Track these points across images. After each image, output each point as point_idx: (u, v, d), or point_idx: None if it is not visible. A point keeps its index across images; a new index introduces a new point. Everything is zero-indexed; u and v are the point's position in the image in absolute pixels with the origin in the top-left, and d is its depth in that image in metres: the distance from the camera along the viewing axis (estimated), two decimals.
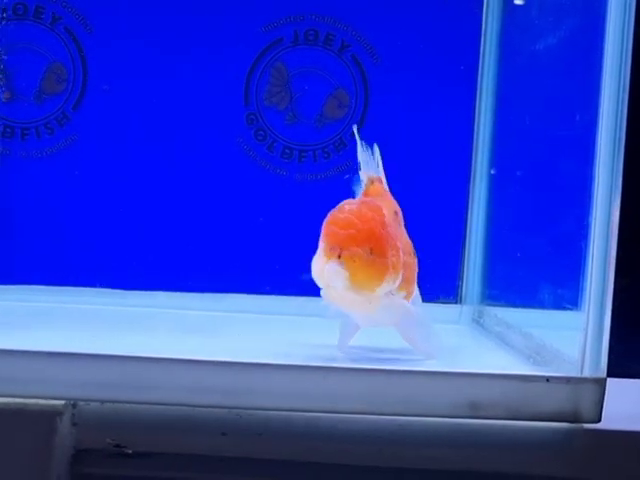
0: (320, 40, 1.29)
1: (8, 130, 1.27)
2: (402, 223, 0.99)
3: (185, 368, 0.80)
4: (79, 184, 1.28)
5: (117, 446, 0.79)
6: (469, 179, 1.30)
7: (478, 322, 1.27)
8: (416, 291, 1.00)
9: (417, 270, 0.99)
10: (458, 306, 1.30)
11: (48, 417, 0.75)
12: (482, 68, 1.28)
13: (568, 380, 0.81)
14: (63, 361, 0.77)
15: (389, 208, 0.96)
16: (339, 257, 0.86)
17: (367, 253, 0.87)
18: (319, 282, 0.88)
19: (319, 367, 0.80)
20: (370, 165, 0.99)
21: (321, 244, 0.88)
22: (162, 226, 1.28)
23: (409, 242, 0.98)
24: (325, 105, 1.30)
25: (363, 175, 0.99)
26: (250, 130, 1.29)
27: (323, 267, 0.86)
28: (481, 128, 1.28)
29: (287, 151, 1.29)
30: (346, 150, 1.30)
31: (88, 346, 0.83)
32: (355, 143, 1.29)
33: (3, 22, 1.25)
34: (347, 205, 0.91)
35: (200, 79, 1.27)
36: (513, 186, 1.22)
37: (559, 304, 0.98)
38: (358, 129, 1.02)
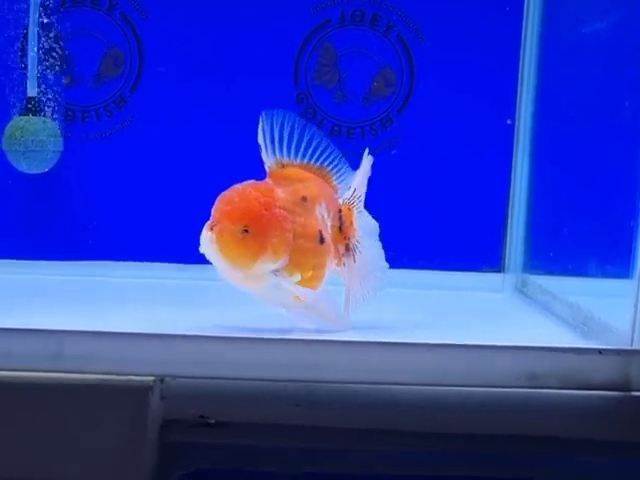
0: (366, 21, 1.33)
1: (69, 113, 1.33)
2: (318, 209, 0.97)
3: (262, 346, 0.86)
4: (137, 164, 1.34)
5: (201, 417, 0.85)
6: (512, 153, 1.34)
7: (522, 291, 1.31)
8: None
9: (326, 257, 0.97)
10: (501, 275, 1.35)
11: (141, 391, 0.82)
12: (524, 45, 1.32)
13: (619, 352, 0.86)
14: (153, 342, 0.83)
15: (295, 193, 0.95)
16: (211, 230, 0.89)
17: (240, 230, 0.89)
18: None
19: (383, 343, 0.87)
20: (272, 149, 0.97)
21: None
22: None
23: (318, 229, 0.96)
24: (372, 83, 1.34)
25: (266, 158, 0.97)
26: (300, 108, 1.34)
27: None
28: (523, 103, 1.32)
29: (336, 128, 1.34)
30: (393, 126, 1.35)
31: (170, 323, 0.91)
32: (402, 119, 1.35)
33: (62, 9, 1.30)
34: (238, 185, 0.93)
35: (252, 60, 1.32)
36: (556, 159, 1.26)
37: (604, 274, 1.03)
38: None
